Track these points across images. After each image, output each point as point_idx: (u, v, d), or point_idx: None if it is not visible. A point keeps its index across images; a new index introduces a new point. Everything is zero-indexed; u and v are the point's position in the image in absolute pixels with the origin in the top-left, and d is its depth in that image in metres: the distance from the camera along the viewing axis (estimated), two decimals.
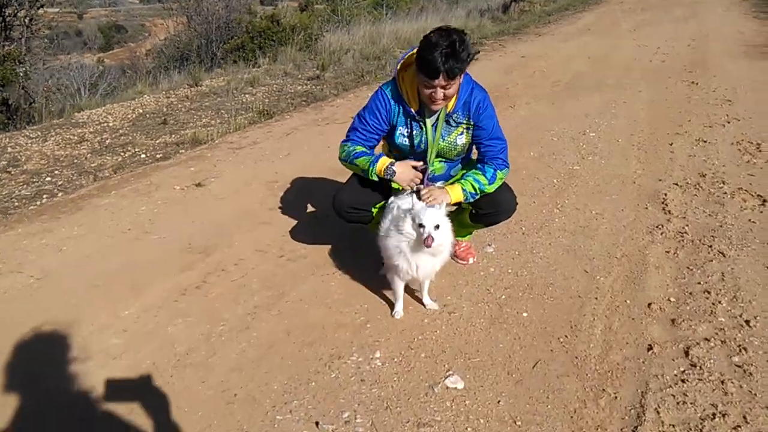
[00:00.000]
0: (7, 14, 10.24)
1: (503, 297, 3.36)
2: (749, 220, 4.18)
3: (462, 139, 3.25)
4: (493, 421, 2.49)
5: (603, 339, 2.98)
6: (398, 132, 3.24)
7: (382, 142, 3.47)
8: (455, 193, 3.15)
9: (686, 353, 2.84)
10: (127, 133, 7.17)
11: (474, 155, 3.52)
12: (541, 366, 2.79)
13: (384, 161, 3.14)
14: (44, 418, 2.60)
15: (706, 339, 2.94)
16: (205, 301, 3.43)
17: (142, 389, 2.73)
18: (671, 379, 2.68)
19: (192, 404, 2.63)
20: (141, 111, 8.22)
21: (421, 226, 2.73)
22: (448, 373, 2.75)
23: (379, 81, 9.80)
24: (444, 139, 3.22)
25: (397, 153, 3.38)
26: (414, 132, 3.21)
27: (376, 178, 3.18)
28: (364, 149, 3.24)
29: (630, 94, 8.04)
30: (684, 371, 2.72)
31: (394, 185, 3.47)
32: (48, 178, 5.61)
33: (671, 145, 5.87)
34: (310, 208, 4.68)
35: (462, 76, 3.02)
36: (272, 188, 5.13)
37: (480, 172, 3.21)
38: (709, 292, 3.33)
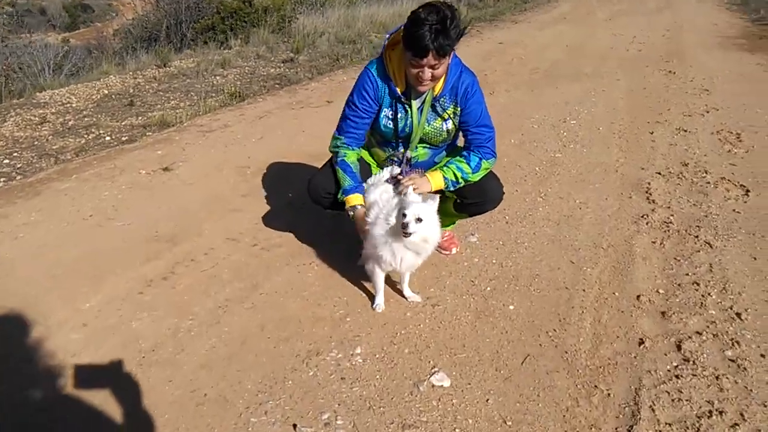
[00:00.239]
0: None
1: (488, 289, 3.22)
2: (733, 210, 4.12)
3: (448, 125, 3.08)
4: (482, 421, 2.34)
5: (593, 333, 2.86)
6: (382, 114, 3.06)
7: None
8: (436, 181, 2.99)
9: (678, 347, 2.74)
10: (91, 114, 6.81)
11: (460, 142, 3.36)
12: (531, 361, 2.66)
13: (357, 199, 3.00)
14: None
15: (697, 332, 2.85)
16: (173, 294, 3.21)
17: (103, 390, 2.51)
18: (665, 374, 2.57)
19: (158, 405, 2.43)
20: (106, 92, 7.84)
21: (403, 216, 2.57)
22: (433, 370, 2.60)
23: (354, 65, 9.57)
24: (429, 124, 3.05)
25: (381, 139, 3.20)
26: (399, 115, 3.03)
27: (340, 197, 3.07)
28: (352, 162, 3.09)
29: (608, 83, 7.98)
30: (677, 366, 2.62)
31: (374, 170, 3.30)
32: (6, 161, 5.27)
33: (652, 133, 5.80)
34: (284, 195, 4.47)
35: (451, 56, 2.84)
36: (244, 173, 4.90)
37: (464, 160, 3.05)
38: (698, 284, 3.24)
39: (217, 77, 8.77)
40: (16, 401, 2.46)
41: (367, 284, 3.25)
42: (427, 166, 3.26)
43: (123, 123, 6.53)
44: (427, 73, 2.76)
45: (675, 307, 3.04)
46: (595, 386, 2.51)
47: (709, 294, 3.15)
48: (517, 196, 4.35)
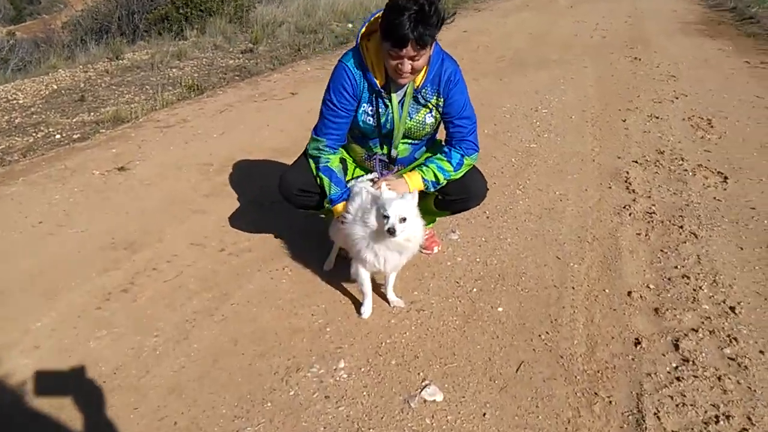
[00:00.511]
0: None
1: (474, 290, 3.05)
2: (714, 198, 4.05)
3: (431, 118, 2.88)
4: None
5: (586, 334, 2.72)
6: (361, 110, 2.84)
7: None
8: (414, 182, 2.80)
9: (676, 346, 2.62)
10: (39, 111, 6.37)
11: (440, 135, 3.17)
12: (526, 369, 2.50)
13: (343, 207, 2.80)
14: None
15: (693, 329, 2.74)
16: (134, 308, 2.94)
17: (59, 422, 2.24)
18: (665, 377, 2.45)
19: None
20: (55, 87, 7.37)
21: (386, 217, 2.39)
22: (424, 383, 2.41)
23: (317, 55, 9.28)
24: (412, 118, 2.85)
25: (359, 134, 2.98)
26: (380, 110, 2.81)
27: (326, 204, 2.88)
28: (336, 167, 2.88)
29: (576, 70, 7.90)
30: (677, 367, 2.50)
31: (350, 167, 3.10)
32: None
33: (624, 121, 5.73)
34: (251, 194, 4.20)
35: (432, 45, 2.64)
36: (206, 172, 4.62)
37: (444, 158, 2.87)
38: (688, 277, 3.14)
39: (174, 69, 8.37)
40: None
41: (348, 287, 3.06)
42: (407, 162, 3.06)
43: (74, 120, 6.13)
44: (407, 65, 2.56)
45: (667, 303, 2.93)
46: (596, 393, 2.37)
47: (700, 287, 3.05)
48: (496, 189, 4.19)
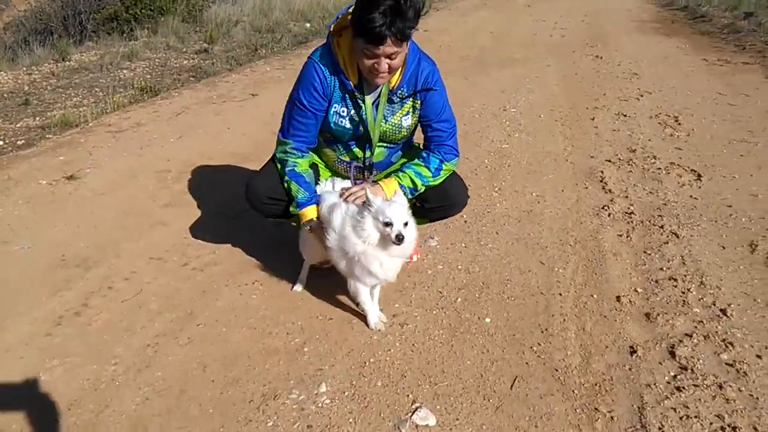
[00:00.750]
0: None
1: (459, 300, 2.89)
2: (690, 196, 4.00)
3: (407, 120, 2.71)
4: None
5: (579, 344, 2.58)
6: (332, 111, 2.64)
7: None
8: (390, 189, 2.63)
9: (672, 354, 2.52)
10: None
11: (416, 138, 3.00)
12: (520, 385, 2.35)
13: (312, 212, 2.61)
14: None
15: (687, 335, 2.64)
16: (89, 333, 2.67)
17: None
18: (665, 387, 2.33)
19: None
20: None
21: (388, 224, 2.25)
22: (414, 406, 2.23)
23: (275, 55, 9.02)
24: (387, 121, 2.67)
25: (331, 138, 2.77)
26: (352, 112, 2.62)
27: (293, 212, 2.67)
28: (304, 171, 2.67)
29: (539, 69, 7.87)
30: (676, 377, 2.39)
31: (323, 172, 2.89)
32: None
33: (593, 119, 5.69)
34: (215, 202, 3.95)
35: (408, 43, 2.46)
36: (164, 179, 4.33)
37: (422, 163, 2.70)
38: (675, 279, 3.05)
39: (124, 71, 7.98)
40: None
41: (324, 302, 2.86)
42: (383, 166, 2.88)
43: (17, 125, 5.73)
44: (384, 64, 2.38)
45: (658, 308, 2.83)
46: (596, 409, 2.23)
47: (688, 290, 2.96)
48: (472, 192, 3.95)
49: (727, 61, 8.11)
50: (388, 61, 2.36)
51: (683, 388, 2.32)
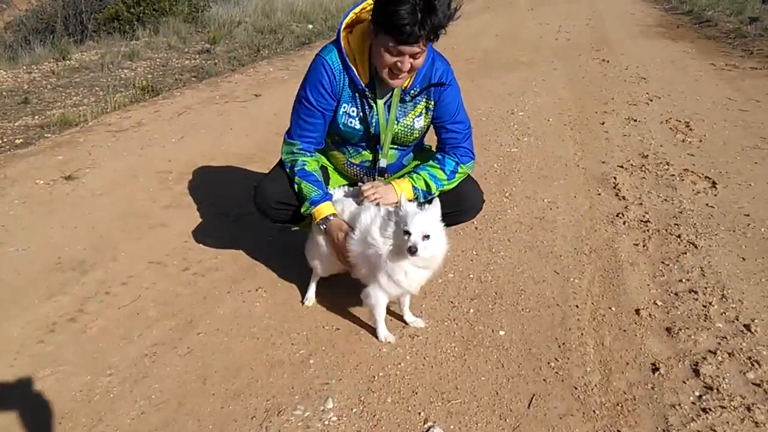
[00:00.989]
0: None
1: (471, 311, 2.77)
2: (706, 204, 3.88)
3: (420, 122, 2.59)
4: None
5: (599, 360, 2.46)
6: (341, 111, 2.52)
7: None
8: (403, 191, 2.51)
9: (696, 372, 2.39)
10: None
11: (427, 140, 2.89)
12: (538, 403, 2.22)
13: (328, 208, 2.46)
14: None
15: (711, 352, 2.51)
16: (84, 340, 2.54)
17: None
18: (691, 409, 2.21)
19: None
20: None
21: (406, 233, 2.13)
22: (427, 426, 2.11)
23: (278, 55, 8.91)
24: (398, 122, 2.55)
25: (339, 140, 2.65)
26: (363, 112, 2.50)
27: (305, 213, 2.51)
28: (314, 171, 2.54)
29: (546, 72, 7.76)
30: (702, 397, 2.26)
31: (332, 174, 2.77)
32: None
33: (603, 124, 5.57)
34: (217, 205, 3.82)
35: None
36: (165, 180, 4.21)
37: (437, 166, 2.59)
38: (695, 292, 2.93)
39: (125, 70, 7.88)
40: None
41: (331, 310, 2.74)
42: (394, 169, 2.77)
43: (16, 124, 5.61)
44: (407, 63, 2.26)
45: (679, 322, 2.71)
46: (618, 431, 2.10)
47: (710, 303, 2.84)
48: None
49: (735, 66, 8.00)
50: (411, 60, 2.25)
51: (709, 409, 2.20)
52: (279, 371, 2.37)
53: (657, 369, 2.40)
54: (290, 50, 9.35)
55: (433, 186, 2.56)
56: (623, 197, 3.99)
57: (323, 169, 2.73)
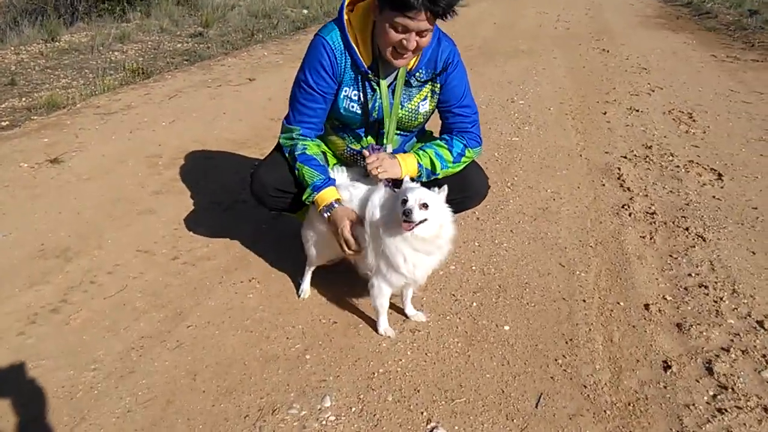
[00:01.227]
0: None
1: (474, 305, 2.65)
2: (713, 197, 3.78)
3: (425, 106, 2.46)
4: None
5: (608, 357, 2.35)
6: (343, 94, 2.38)
7: None
8: (408, 166, 2.37)
9: (709, 370, 2.29)
10: None
11: (428, 126, 2.76)
12: (546, 403, 2.11)
13: (332, 194, 2.31)
14: None
15: (723, 349, 2.41)
16: (66, 332, 2.41)
17: None
18: (705, 409, 2.11)
19: None
20: None
21: (404, 202, 2.02)
22: (430, 426, 1.99)
23: (273, 40, 8.72)
24: (403, 106, 2.42)
25: (339, 125, 2.52)
26: (366, 95, 2.37)
27: (307, 200, 2.35)
28: (316, 155, 2.39)
29: (546, 61, 7.62)
30: (716, 397, 2.16)
31: (331, 160, 2.64)
32: None
33: (605, 114, 5.45)
34: (209, 191, 3.68)
35: None
36: (155, 165, 4.06)
37: (445, 146, 2.45)
38: (705, 287, 2.82)
39: (116, 53, 7.68)
40: None
41: (328, 302, 2.62)
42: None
43: (2, 105, 5.44)
44: (413, 41, 2.13)
45: (690, 318, 2.60)
46: None
47: (721, 299, 2.73)
48: None
49: (736, 57, 7.90)
50: (417, 38, 2.12)
51: (725, 410, 2.10)
52: (273, 367, 2.24)
53: (669, 367, 2.30)
54: (285, 35, 9.17)
55: (438, 165, 2.43)
56: (628, 188, 3.88)
57: (323, 155, 2.59)
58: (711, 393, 2.18)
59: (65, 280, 2.75)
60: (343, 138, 2.56)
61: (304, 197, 2.35)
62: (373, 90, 2.36)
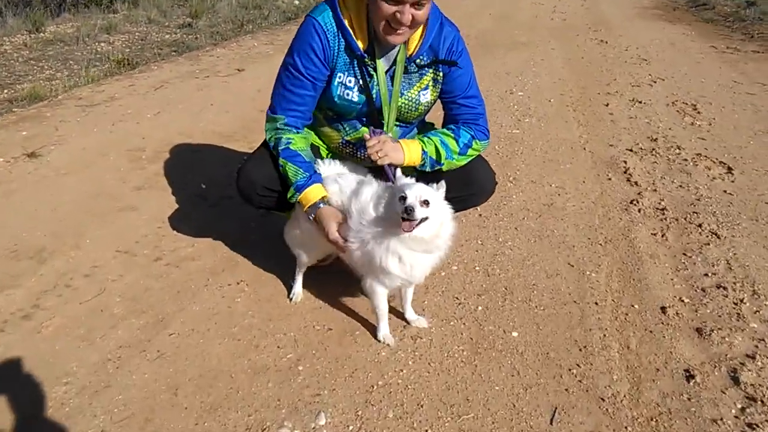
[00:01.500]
0: None
1: (480, 308, 2.47)
2: (724, 191, 3.62)
3: (426, 95, 2.27)
4: None
5: (626, 366, 2.18)
6: (336, 81, 2.19)
7: None
8: (411, 153, 2.19)
9: (735, 380, 2.12)
10: None
11: (429, 118, 2.57)
12: (562, 418, 1.94)
13: (317, 192, 2.12)
14: None
15: (748, 356, 2.25)
16: (37, 341, 2.21)
17: None
18: (735, 424, 1.94)
19: None
20: None
21: (402, 199, 1.83)
22: None
23: (263, 30, 8.48)
24: (403, 95, 2.23)
25: (333, 115, 2.32)
26: (361, 82, 2.17)
27: (291, 198, 2.17)
28: (301, 149, 2.19)
29: (544, 52, 7.44)
30: (745, 410, 1.99)
31: (324, 154, 2.44)
32: None
33: (607, 105, 5.28)
34: (194, 187, 3.48)
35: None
36: (138, 159, 3.85)
37: (451, 134, 2.27)
38: (724, 288, 2.66)
39: (102, 44, 7.41)
40: None
41: (323, 306, 2.43)
42: None
43: None
44: (408, 13, 1.94)
45: (710, 322, 2.43)
46: None
47: (741, 301, 2.57)
48: None
49: (737, 49, 7.76)
50: (413, 11, 1.93)
51: (756, 425, 1.93)
52: (263, 380, 2.05)
53: (692, 376, 2.13)
54: (275, 25, 8.93)
55: (443, 155, 2.24)
56: (636, 183, 3.70)
57: (314, 149, 2.40)
58: (739, 406, 2.02)
59: (38, 284, 2.55)
60: (338, 130, 2.36)
61: (288, 196, 2.16)
62: (370, 76, 2.17)
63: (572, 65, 6.76)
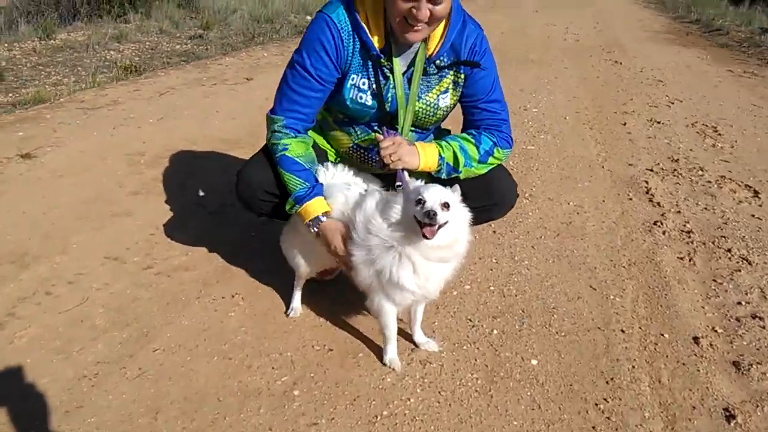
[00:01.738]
0: None
1: (495, 332, 2.26)
2: (752, 215, 3.41)
3: (446, 99, 2.09)
4: None
5: (658, 402, 1.96)
6: (350, 83, 2.01)
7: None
8: (428, 157, 2.01)
9: None
10: None
11: (446, 124, 2.39)
12: None
13: (319, 206, 1.95)
14: None
15: None
16: (9, 353, 2.01)
17: None
18: None
19: None
20: None
21: (419, 202, 1.64)
22: None
23: (274, 43, 8.39)
24: (420, 99, 2.04)
25: (345, 119, 2.14)
26: (376, 86, 1.99)
27: (290, 210, 2.00)
28: (299, 156, 2.01)
29: (557, 71, 7.29)
30: None
31: (332, 159, 2.26)
32: None
33: (625, 125, 5.10)
34: (192, 194, 3.30)
35: None
36: (136, 164, 3.68)
37: (472, 140, 2.08)
38: (760, 318, 2.44)
39: (112, 52, 7.33)
40: None
41: (322, 324, 2.22)
42: None
43: None
44: (425, 9, 1.76)
45: (747, 355, 2.22)
46: None
47: None
48: None
49: (754, 74, 7.60)
50: (429, 6, 1.75)
51: None
52: (254, 405, 1.84)
53: (732, 416, 1.91)
54: (286, 39, 8.84)
55: (462, 162, 2.05)
56: (658, 203, 3.50)
57: (321, 153, 2.21)
58: None
59: (17, 290, 2.36)
60: (348, 134, 2.17)
61: (287, 208, 1.98)
62: (386, 78, 1.99)
63: (587, 84, 6.61)
